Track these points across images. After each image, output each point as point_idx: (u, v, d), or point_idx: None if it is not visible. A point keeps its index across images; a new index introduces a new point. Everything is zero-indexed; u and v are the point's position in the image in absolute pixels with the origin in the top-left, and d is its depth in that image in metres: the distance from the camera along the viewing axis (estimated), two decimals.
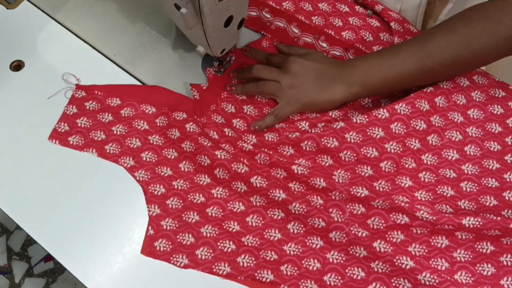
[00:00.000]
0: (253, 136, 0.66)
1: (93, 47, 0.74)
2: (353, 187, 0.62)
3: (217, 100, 0.68)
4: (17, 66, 0.73)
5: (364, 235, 0.59)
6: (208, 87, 0.69)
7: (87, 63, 0.73)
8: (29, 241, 1.35)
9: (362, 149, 0.64)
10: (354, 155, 0.64)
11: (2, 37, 0.75)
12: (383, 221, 0.60)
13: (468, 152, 0.65)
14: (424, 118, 0.65)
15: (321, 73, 0.66)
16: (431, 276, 0.57)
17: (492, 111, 0.67)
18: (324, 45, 0.73)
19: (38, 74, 0.72)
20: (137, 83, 0.71)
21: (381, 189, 0.63)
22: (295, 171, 0.63)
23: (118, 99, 0.68)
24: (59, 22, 0.76)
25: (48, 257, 1.33)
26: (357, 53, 0.72)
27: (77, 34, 0.75)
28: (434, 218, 0.59)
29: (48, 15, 0.77)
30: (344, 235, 0.59)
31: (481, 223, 0.58)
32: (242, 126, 0.67)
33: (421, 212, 0.59)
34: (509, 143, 0.66)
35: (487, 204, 0.62)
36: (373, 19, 0.74)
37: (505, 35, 0.61)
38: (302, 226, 0.61)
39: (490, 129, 0.66)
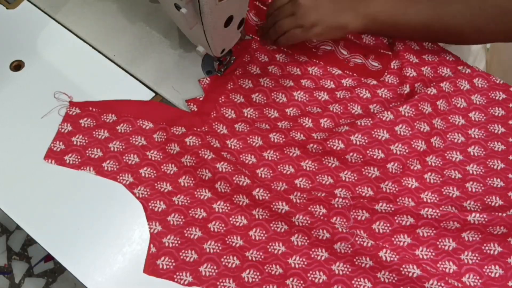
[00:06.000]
0: (259, 138, 0.66)
1: (93, 47, 0.74)
2: (359, 186, 0.62)
3: (216, 106, 0.68)
4: (17, 66, 0.73)
5: (369, 245, 0.58)
6: (204, 98, 0.69)
7: (87, 63, 0.73)
8: (29, 241, 1.35)
9: (368, 151, 0.64)
10: (361, 157, 0.64)
11: (2, 37, 0.75)
12: (388, 225, 0.60)
13: (472, 153, 0.65)
14: (427, 120, 0.66)
15: None
16: (438, 284, 0.56)
17: (493, 113, 0.68)
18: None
19: (38, 74, 0.72)
20: (137, 83, 0.71)
21: (388, 191, 0.62)
22: (297, 185, 0.63)
23: (113, 115, 0.67)
24: (59, 22, 0.76)
25: (48, 257, 1.32)
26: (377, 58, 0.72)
27: (77, 34, 0.75)
28: (440, 214, 0.59)
29: (48, 15, 0.77)
30: (349, 246, 0.58)
31: (486, 219, 0.59)
32: (245, 129, 0.67)
33: (426, 209, 0.60)
34: None
35: (493, 204, 0.62)
36: None
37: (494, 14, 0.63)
38: (306, 238, 0.60)
39: (493, 130, 0.67)
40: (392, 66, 0.71)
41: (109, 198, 0.63)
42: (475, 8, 0.64)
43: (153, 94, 0.71)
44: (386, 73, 0.70)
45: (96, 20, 0.76)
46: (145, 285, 0.59)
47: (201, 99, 0.69)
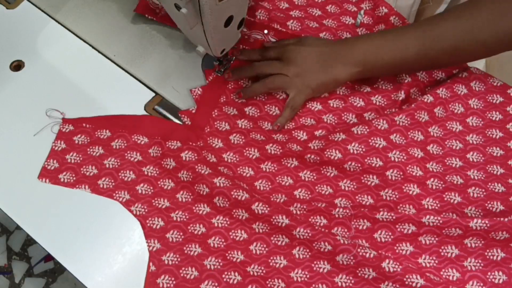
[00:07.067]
0: (256, 150, 0.65)
1: (93, 47, 0.74)
2: (359, 195, 0.62)
3: (210, 120, 0.67)
4: (17, 66, 0.73)
5: (372, 256, 0.57)
6: (197, 110, 0.68)
7: (87, 63, 0.73)
8: (29, 241, 1.35)
9: (366, 159, 0.63)
10: (359, 165, 0.63)
11: (2, 37, 0.75)
12: (390, 233, 0.60)
13: (471, 159, 0.65)
14: (422, 129, 0.66)
15: (322, 55, 0.67)
16: None
17: (491, 117, 0.67)
18: None
19: (38, 74, 0.72)
20: (137, 83, 0.71)
21: (388, 198, 0.62)
22: (297, 196, 0.62)
23: (107, 130, 0.66)
24: (59, 22, 0.76)
25: (48, 257, 1.33)
26: None
27: (77, 34, 0.75)
28: (441, 221, 0.59)
29: (48, 15, 0.77)
30: (352, 257, 0.58)
31: (488, 225, 0.58)
32: (241, 140, 0.66)
33: (427, 217, 0.59)
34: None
35: (494, 209, 0.61)
36: (362, 28, 0.74)
37: (509, 31, 0.61)
38: (307, 250, 0.59)
39: (491, 135, 0.66)
40: None
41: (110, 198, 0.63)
42: (466, 20, 0.61)
43: (153, 94, 0.71)
44: (379, 79, 0.70)
45: (96, 20, 0.76)
46: None
47: (193, 111, 0.68)
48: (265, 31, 0.73)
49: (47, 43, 0.75)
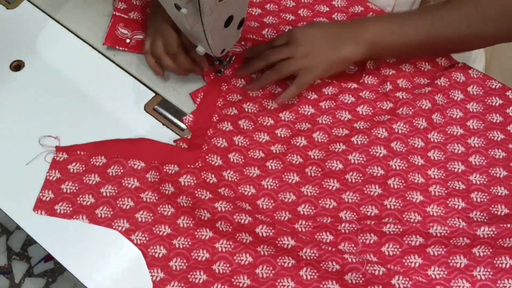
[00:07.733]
0: (256, 168, 0.64)
1: (93, 47, 0.74)
2: (363, 206, 0.62)
3: (206, 139, 0.66)
4: (17, 66, 0.73)
5: (381, 273, 0.56)
6: (192, 134, 0.67)
7: (87, 63, 0.73)
8: (29, 241, 1.35)
9: (367, 169, 0.63)
10: (360, 175, 0.63)
11: (2, 37, 0.75)
12: (398, 246, 0.59)
13: (473, 163, 0.65)
14: (421, 136, 0.66)
15: (330, 35, 0.66)
16: None
17: (491, 120, 0.68)
18: None
19: (38, 74, 0.72)
20: (137, 83, 0.71)
21: (392, 207, 0.61)
22: (301, 212, 0.62)
23: (103, 157, 0.64)
24: (59, 22, 0.76)
25: (48, 257, 1.33)
26: None
27: (77, 34, 0.75)
28: (449, 231, 0.59)
29: (48, 15, 0.77)
30: (361, 276, 0.56)
31: (495, 232, 0.58)
32: (240, 160, 0.65)
33: (434, 228, 0.59)
34: None
35: (499, 213, 0.61)
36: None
37: (509, 28, 0.63)
38: (315, 271, 0.58)
39: (492, 138, 0.66)
40: (368, 66, 0.70)
41: None
42: (471, 13, 0.63)
43: (153, 94, 0.71)
44: (364, 75, 0.70)
45: (96, 20, 0.76)
46: (145, 285, 0.59)
47: (189, 137, 0.67)
48: (242, 43, 0.73)
49: (47, 43, 0.75)
